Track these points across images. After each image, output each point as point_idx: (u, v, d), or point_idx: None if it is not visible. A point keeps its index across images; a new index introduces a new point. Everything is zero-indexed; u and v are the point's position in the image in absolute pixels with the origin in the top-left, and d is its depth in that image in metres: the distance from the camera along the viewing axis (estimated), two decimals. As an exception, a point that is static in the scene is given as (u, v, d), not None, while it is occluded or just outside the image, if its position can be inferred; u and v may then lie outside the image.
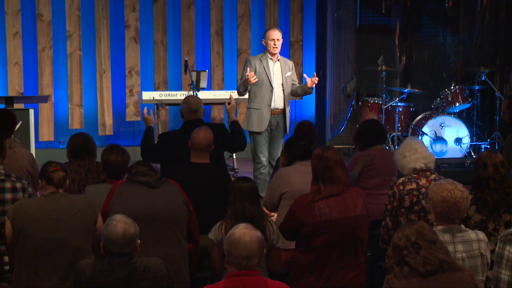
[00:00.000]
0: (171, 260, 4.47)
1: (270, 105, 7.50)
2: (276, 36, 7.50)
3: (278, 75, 7.55)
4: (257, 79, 7.34)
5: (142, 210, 4.47)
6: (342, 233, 4.51)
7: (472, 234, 4.07)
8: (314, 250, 4.53)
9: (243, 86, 7.42)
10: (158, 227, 4.51)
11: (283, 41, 7.57)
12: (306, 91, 7.69)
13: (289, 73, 7.61)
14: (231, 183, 4.69)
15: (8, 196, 4.88)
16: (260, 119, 7.46)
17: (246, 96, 7.75)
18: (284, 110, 7.59)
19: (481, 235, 4.10)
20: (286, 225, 4.66)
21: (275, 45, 7.48)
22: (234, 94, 8.44)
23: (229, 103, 6.40)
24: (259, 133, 7.48)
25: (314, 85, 7.58)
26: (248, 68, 7.47)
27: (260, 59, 7.53)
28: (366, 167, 5.86)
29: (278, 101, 7.55)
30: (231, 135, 6.14)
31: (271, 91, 7.49)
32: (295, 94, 7.76)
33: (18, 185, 4.90)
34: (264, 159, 7.49)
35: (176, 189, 4.66)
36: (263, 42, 7.61)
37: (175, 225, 4.58)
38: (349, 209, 4.53)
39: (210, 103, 9.70)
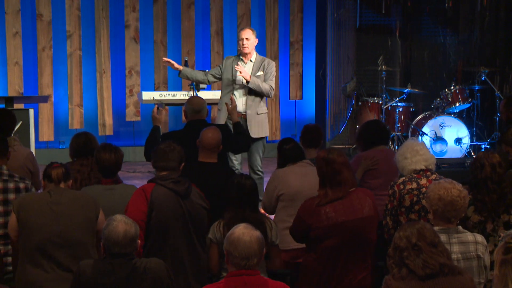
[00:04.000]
0: (199, 267, 4.59)
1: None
2: (244, 35, 7.32)
3: (245, 76, 7.22)
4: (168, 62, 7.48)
5: (176, 218, 4.53)
6: (350, 235, 4.49)
7: (469, 236, 4.06)
8: (323, 253, 4.52)
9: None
10: (188, 235, 4.56)
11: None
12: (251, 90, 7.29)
13: (259, 73, 7.33)
14: (230, 180, 4.70)
15: (12, 196, 4.93)
16: (219, 120, 7.32)
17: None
18: (245, 114, 7.27)
19: (480, 238, 4.09)
20: (294, 229, 4.67)
21: (243, 44, 7.31)
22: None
23: (230, 104, 6.39)
24: None
25: (241, 75, 7.17)
26: (218, 66, 7.48)
27: (234, 59, 7.40)
28: (368, 170, 5.84)
29: (240, 103, 7.25)
30: (235, 136, 6.14)
31: (231, 91, 7.31)
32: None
33: (22, 185, 4.98)
34: (236, 162, 7.29)
35: (199, 195, 4.69)
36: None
37: (200, 233, 4.64)
38: (356, 212, 4.51)
39: (210, 103, 9.69)
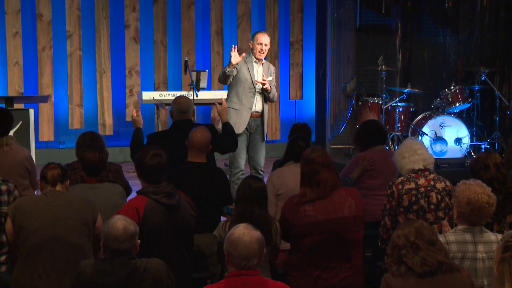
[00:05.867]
0: (187, 276, 4.55)
1: (251, 108, 7.42)
2: (264, 41, 7.39)
3: (260, 78, 7.41)
4: (240, 59, 7.28)
5: (166, 231, 4.48)
6: (329, 234, 4.50)
7: (492, 236, 4.03)
8: (302, 250, 4.55)
9: (228, 68, 7.28)
10: (176, 246, 4.53)
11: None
12: (266, 96, 7.52)
13: (270, 78, 7.49)
14: (242, 181, 4.68)
15: None
16: (239, 121, 7.35)
17: (224, 96, 7.74)
18: (262, 113, 7.51)
19: (500, 237, 4.07)
20: (280, 226, 4.69)
21: (261, 50, 7.37)
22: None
23: (220, 104, 6.40)
24: (238, 135, 7.40)
25: (264, 87, 7.37)
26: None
27: (245, 60, 7.43)
28: (367, 170, 5.83)
29: (258, 104, 7.48)
30: (221, 136, 6.14)
31: (253, 94, 7.42)
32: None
33: (3, 187, 4.84)
34: (242, 163, 7.40)
35: (187, 204, 4.64)
36: (250, 44, 7.53)
37: (188, 239, 4.62)
38: (336, 211, 4.52)
39: (210, 103, 9.70)
